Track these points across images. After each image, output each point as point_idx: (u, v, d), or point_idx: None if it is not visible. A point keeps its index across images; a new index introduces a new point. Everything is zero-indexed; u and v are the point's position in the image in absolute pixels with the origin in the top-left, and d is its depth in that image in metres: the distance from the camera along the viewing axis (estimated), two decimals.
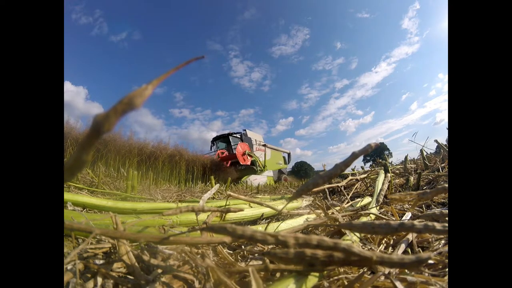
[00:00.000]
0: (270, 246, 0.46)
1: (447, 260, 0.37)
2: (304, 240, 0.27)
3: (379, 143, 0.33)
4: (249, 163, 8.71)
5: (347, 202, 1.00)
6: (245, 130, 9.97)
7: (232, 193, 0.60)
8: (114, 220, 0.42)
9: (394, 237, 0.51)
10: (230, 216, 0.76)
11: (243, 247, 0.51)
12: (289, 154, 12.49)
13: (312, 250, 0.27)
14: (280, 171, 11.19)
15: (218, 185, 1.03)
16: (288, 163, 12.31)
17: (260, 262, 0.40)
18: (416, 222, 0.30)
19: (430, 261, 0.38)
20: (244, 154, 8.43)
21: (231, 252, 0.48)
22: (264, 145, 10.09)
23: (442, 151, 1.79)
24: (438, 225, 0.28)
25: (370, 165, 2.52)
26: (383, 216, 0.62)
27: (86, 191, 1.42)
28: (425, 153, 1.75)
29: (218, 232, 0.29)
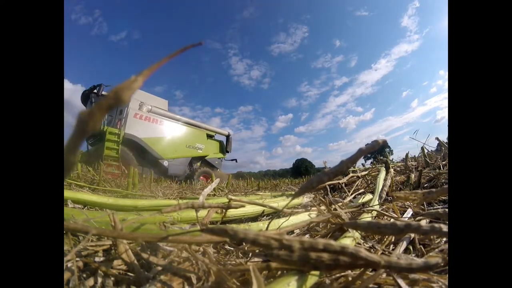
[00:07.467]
0: None
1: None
2: (310, 245, 0.26)
3: (384, 140, 0.33)
4: None
5: (349, 199, 1.00)
6: None
7: (233, 197, 0.60)
8: (112, 219, 0.41)
9: None
10: (231, 212, 0.76)
11: (244, 243, 0.51)
12: (227, 137, 7.69)
13: (317, 253, 0.27)
14: (204, 162, 6.89)
15: (218, 179, 1.02)
16: (229, 152, 7.66)
17: (261, 259, 0.40)
18: (422, 223, 0.29)
19: None
20: None
21: (232, 249, 0.48)
22: (152, 112, 5.80)
23: (443, 148, 1.78)
24: (444, 227, 0.28)
25: (371, 163, 2.51)
26: (386, 213, 0.62)
27: (87, 188, 1.42)
28: (426, 151, 1.75)
29: (218, 234, 0.28)
